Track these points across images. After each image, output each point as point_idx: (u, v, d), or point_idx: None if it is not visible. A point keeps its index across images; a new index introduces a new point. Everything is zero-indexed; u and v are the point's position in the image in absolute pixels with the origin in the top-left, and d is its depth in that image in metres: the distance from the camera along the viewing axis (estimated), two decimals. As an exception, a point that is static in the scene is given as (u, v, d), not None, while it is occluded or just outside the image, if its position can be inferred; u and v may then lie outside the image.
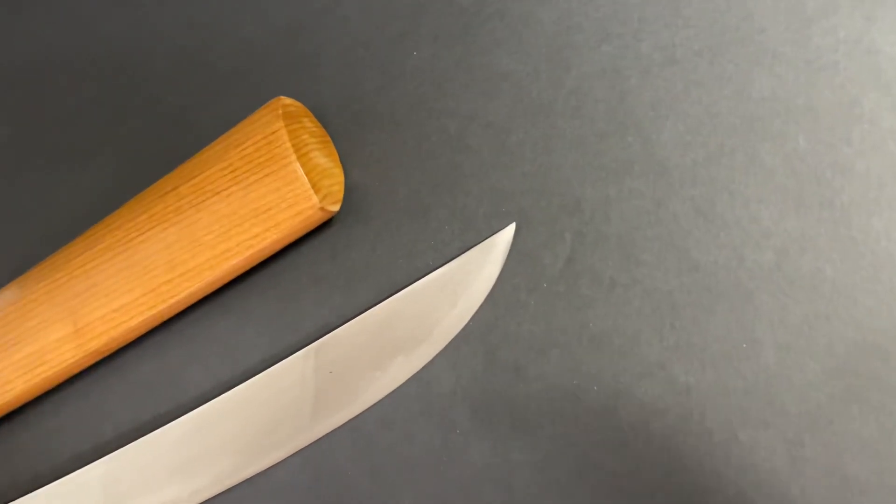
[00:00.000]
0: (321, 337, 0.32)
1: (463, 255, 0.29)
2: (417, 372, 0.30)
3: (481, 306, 0.29)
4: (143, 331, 0.35)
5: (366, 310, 0.31)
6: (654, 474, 0.27)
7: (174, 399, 0.36)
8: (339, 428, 0.32)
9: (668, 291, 0.26)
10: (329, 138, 0.33)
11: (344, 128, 0.32)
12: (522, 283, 0.29)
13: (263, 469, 0.33)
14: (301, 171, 0.30)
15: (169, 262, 0.33)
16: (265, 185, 0.31)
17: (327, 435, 0.32)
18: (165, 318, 0.35)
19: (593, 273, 0.27)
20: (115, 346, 0.35)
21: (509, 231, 0.29)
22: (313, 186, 0.30)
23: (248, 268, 0.33)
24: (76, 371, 0.36)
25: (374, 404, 0.31)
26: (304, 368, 0.32)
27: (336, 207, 0.32)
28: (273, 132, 0.31)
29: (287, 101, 0.32)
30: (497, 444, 0.29)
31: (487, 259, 0.29)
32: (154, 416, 0.36)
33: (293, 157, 0.30)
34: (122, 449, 0.36)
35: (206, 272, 0.33)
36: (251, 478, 0.33)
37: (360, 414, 0.31)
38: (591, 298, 0.27)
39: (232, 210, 0.32)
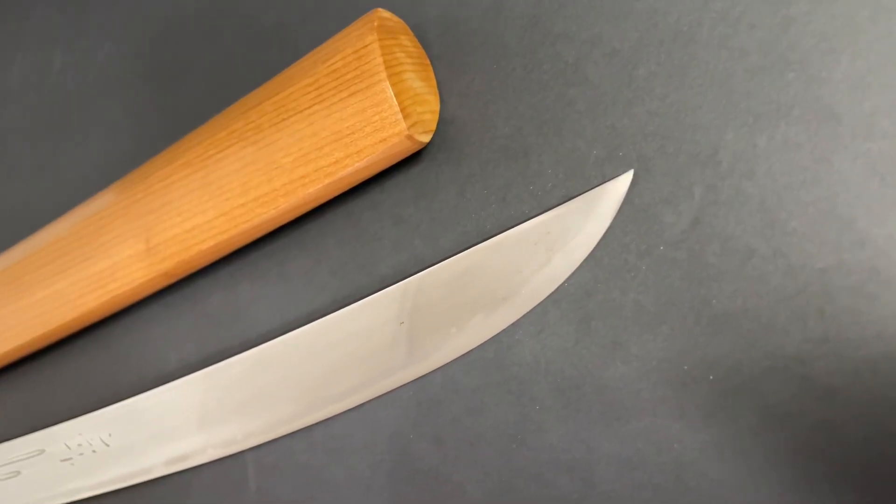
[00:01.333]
0: (397, 283, 0.28)
1: (565, 205, 0.24)
2: (498, 335, 0.26)
3: (580, 267, 0.24)
4: (214, 256, 0.32)
5: (447, 258, 0.26)
6: (772, 492, 0.21)
7: (239, 334, 0.33)
8: (403, 386, 0.28)
9: (821, 270, 0.20)
10: (428, 61, 0.29)
11: (445, 51, 0.28)
12: (634, 243, 0.23)
13: (320, 420, 0.30)
14: (391, 92, 0.26)
15: (244, 184, 0.30)
16: (351, 106, 0.27)
17: (390, 393, 0.28)
18: (237, 245, 0.32)
19: (725, 239, 0.22)
20: (185, 270, 0.33)
21: (625, 180, 0.23)
22: (403, 111, 0.26)
23: (325, 199, 0.29)
24: (146, 292, 0.34)
25: (445, 365, 0.27)
26: (373, 316, 0.28)
27: (426, 138, 0.27)
28: (364, 46, 0.26)
29: (385, 13, 0.28)
30: (581, 429, 0.24)
31: (595, 211, 0.24)
32: (218, 349, 0.33)
33: (384, 75, 0.26)
34: (182, 379, 0.33)
35: (280, 199, 0.29)
36: (307, 428, 0.30)
37: (429, 374, 0.27)
38: (718, 270, 0.22)
39: (313, 132, 0.28)
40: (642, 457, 0.23)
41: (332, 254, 0.30)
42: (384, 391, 0.28)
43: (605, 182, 0.24)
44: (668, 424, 0.22)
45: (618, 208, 0.23)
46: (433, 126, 0.28)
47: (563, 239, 0.24)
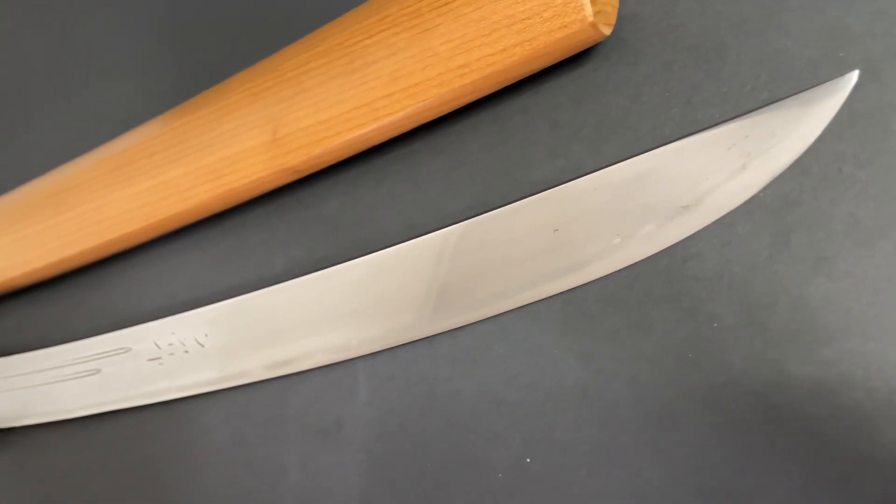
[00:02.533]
0: (551, 188, 0.25)
1: (771, 107, 0.21)
2: (672, 246, 0.23)
3: (781, 175, 0.21)
4: (345, 152, 0.30)
5: (615, 163, 0.24)
6: None
7: (358, 239, 0.30)
8: (549, 299, 0.25)
9: None
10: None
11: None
12: (852, 151, 0.21)
13: (447, 330, 0.27)
14: (580, -28, 0.23)
15: (393, 72, 0.27)
16: (529, -13, 0.24)
17: (532, 305, 0.26)
18: (372, 142, 0.29)
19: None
20: (311, 166, 0.30)
21: (847, 82, 0.21)
22: (586, -2, 0.23)
23: (479, 95, 0.27)
24: (264, 188, 0.32)
25: (604, 277, 0.24)
26: (522, 222, 0.26)
27: (608, 31, 0.25)
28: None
29: None
30: (769, 350, 0.21)
31: (807, 114, 0.21)
32: (332, 254, 0.31)
33: (573, -49, 0.23)
34: (293, 281, 0.31)
35: (432, 90, 0.27)
36: (429, 338, 0.28)
37: (582, 287, 0.25)
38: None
39: (482, 16, 0.25)
40: (847, 381, 0.20)
41: (473, 158, 0.28)
42: (526, 303, 0.25)
43: (820, 84, 0.21)
44: (883, 347, 0.20)
45: (835, 112, 0.21)
46: (613, 19, 0.25)
47: (764, 144, 0.21)
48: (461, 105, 0.27)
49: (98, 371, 0.37)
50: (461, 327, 0.27)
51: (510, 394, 0.25)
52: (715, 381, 0.22)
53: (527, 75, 0.26)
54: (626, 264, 0.24)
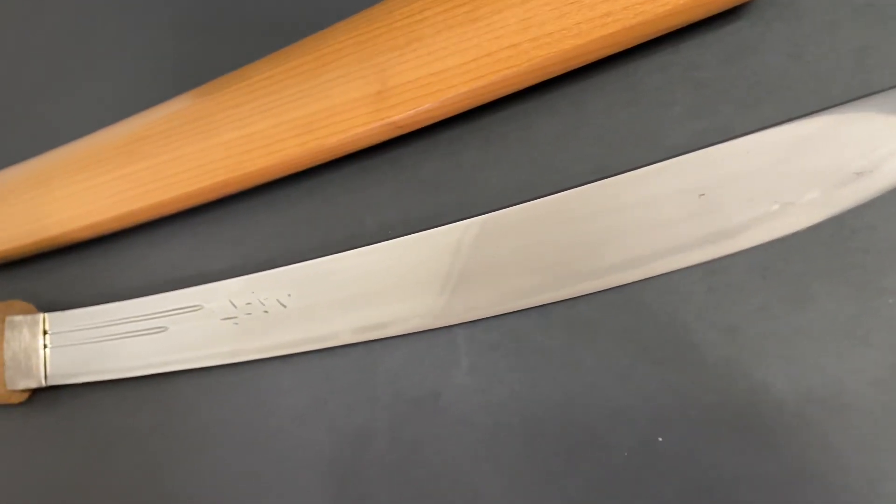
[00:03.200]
0: (695, 151, 0.23)
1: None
2: (839, 216, 0.21)
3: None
4: (456, 108, 0.28)
5: (775, 125, 0.22)
6: None
7: (460, 201, 0.28)
8: (690, 268, 0.23)
9: None
10: None
11: None
12: None
13: (565, 298, 0.25)
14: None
15: (523, 20, 0.25)
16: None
17: (667, 274, 0.24)
18: (489, 97, 0.27)
19: None
20: (416, 122, 0.28)
21: None
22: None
23: (616, 48, 0.25)
24: (361, 144, 0.30)
25: (755, 247, 0.22)
26: (660, 186, 0.24)
27: (771, -17, 0.23)
28: None
29: None
30: None
31: None
32: (428, 216, 0.29)
33: None
34: (389, 241, 0.29)
35: (568, 40, 0.25)
36: (541, 307, 0.26)
37: (729, 256, 0.23)
38: None
39: (631, -39, 0.23)
40: None
41: (599, 119, 0.26)
42: (662, 272, 0.23)
43: None
44: None
45: None
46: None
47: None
48: (595, 59, 0.25)
49: (165, 329, 0.35)
50: (580, 297, 0.25)
51: (638, 367, 0.23)
52: (889, 361, 0.19)
53: (671, 30, 0.24)
54: (784, 233, 0.22)
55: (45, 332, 0.39)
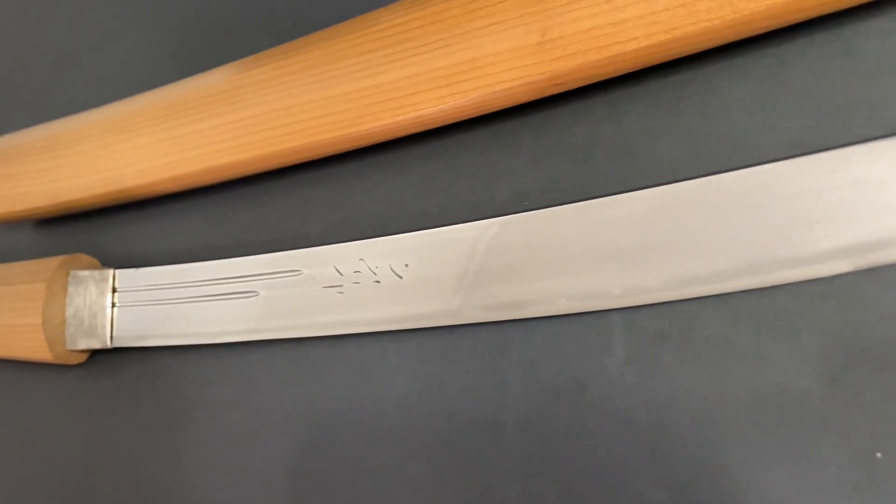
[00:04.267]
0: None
1: None
2: None
3: None
4: (628, 65, 0.24)
5: None
6: None
7: (615, 173, 0.25)
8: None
9: None
10: None
11: None
12: None
13: (753, 287, 0.21)
14: None
15: (732, -34, 0.22)
16: None
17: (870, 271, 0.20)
18: (669, 54, 0.24)
19: None
20: (580, 79, 0.25)
21: None
22: None
23: (829, 7, 0.21)
24: (508, 101, 0.26)
25: None
26: (873, 165, 0.20)
27: None
28: None
29: None
30: None
31: None
32: (576, 186, 0.25)
33: None
34: (534, 212, 0.25)
35: None
36: (724, 296, 0.22)
37: None
38: None
39: None
40: None
41: (803, 87, 0.22)
42: (858, 267, 0.20)
43: None
44: None
45: None
46: None
47: None
48: (808, 18, 0.21)
49: (256, 294, 0.31)
50: (774, 287, 0.21)
51: (850, 370, 0.19)
52: None
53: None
54: None
55: (114, 290, 0.35)
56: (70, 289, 0.36)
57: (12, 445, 0.38)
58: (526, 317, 0.25)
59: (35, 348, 0.36)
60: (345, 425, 0.28)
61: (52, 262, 0.36)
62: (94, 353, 0.37)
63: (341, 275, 0.29)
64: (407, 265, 0.28)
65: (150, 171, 0.35)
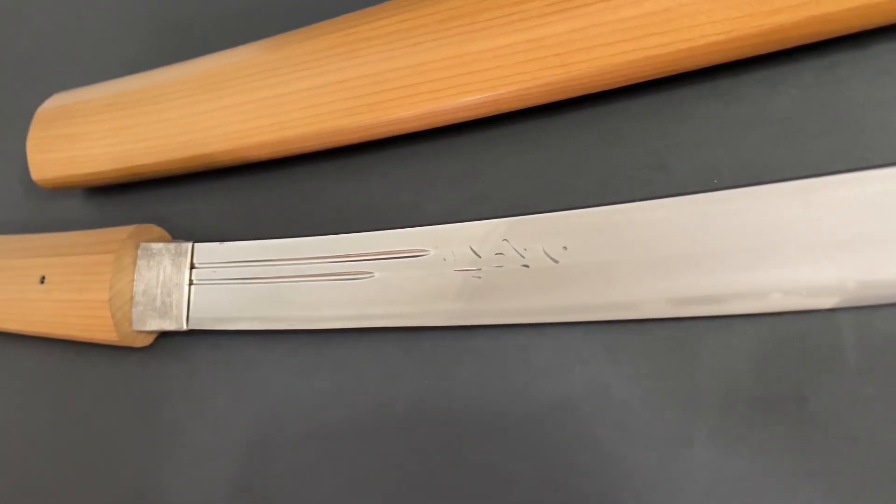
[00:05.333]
0: None
1: None
2: None
3: None
4: (863, 21, 0.20)
5: None
6: None
7: (831, 149, 0.20)
8: None
9: None
10: None
11: None
12: None
13: None
14: None
15: None
16: None
17: None
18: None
19: None
20: (799, 36, 0.20)
21: None
22: None
23: None
24: (713, 57, 0.22)
25: None
26: None
27: None
28: None
29: None
30: None
31: None
32: (777, 164, 0.21)
33: None
34: (734, 190, 0.21)
35: None
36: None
37: None
38: None
39: None
40: None
41: None
42: None
43: None
44: None
45: None
46: None
47: None
48: None
49: (369, 275, 0.27)
50: None
51: None
52: None
53: None
54: None
55: (192, 266, 0.31)
56: (140, 263, 0.31)
57: (64, 436, 0.33)
58: (725, 314, 0.20)
59: (99, 327, 0.31)
60: (475, 430, 0.24)
61: (121, 232, 0.31)
62: (161, 336, 0.32)
63: (479, 257, 0.25)
64: (566, 248, 0.23)
65: (240, 134, 0.30)
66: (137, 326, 0.31)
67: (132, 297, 0.31)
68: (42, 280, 0.32)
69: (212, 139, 0.31)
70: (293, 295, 0.28)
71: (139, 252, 0.32)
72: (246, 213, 0.33)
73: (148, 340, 0.33)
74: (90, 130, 0.35)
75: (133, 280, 0.31)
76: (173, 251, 0.31)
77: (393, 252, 0.26)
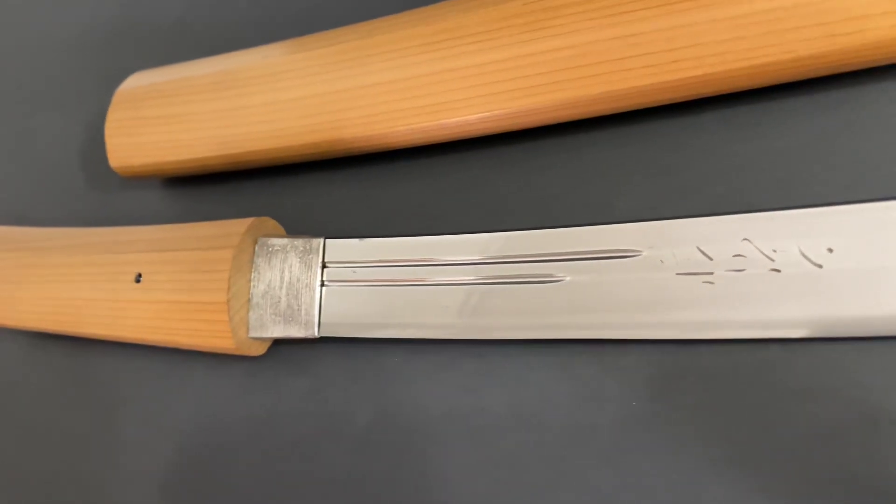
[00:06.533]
0: None
1: None
2: None
3: None
4: None
5: None
6: None
7: None
8: None
9: None
10: None
11: None
12: None
13: None
14: None
15: None
16: None
17: None
18: None
19: None
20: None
21: None
22: None
23: None
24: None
25: None
26: None
27: None
28: None
29: None
30: None
31: None
32: None
33: None
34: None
35: None
36: None
37: None
38: None
39: None
40: None
41: None
42: None
43: None
44: None
45: None
46: None
47: None
48: None
49: (558, 279, 0.22)
50: None
51: None
52: None
53: None
54: None
55: (323, 265, 0.26)
56: (258, 261, 0.27)
57: (158, 457, 0.28)
58: None
59: (212, 332, 0.26)
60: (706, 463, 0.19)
61: (238, 225, 0.27)
62: (278, 344, 0.27)
63: (710, 259, 0.20)
64: (831, 250, 0.19)
65: (387, 117, 0.26)
66: (255, 333, 0.26)
67: (249, 300, 0.26)
68: (138, 278, 0.27)
69: (348, 122, 0.26)
70: (451, 300, 0.24)
71: (257, 249, 0.27)
72: (368, 208, 0.28)
73: (262, 349, 0.28)
74: (189, 112, 0.30)
75: (250, 280, 0.26)
76: (301, 248, 0.26)
77: (592, 252, 0.22)
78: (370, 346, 0.25)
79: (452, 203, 0.26)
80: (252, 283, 0.26)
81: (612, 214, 0.23)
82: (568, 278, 0.22)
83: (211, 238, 0.27)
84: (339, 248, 0.26)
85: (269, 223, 0.28)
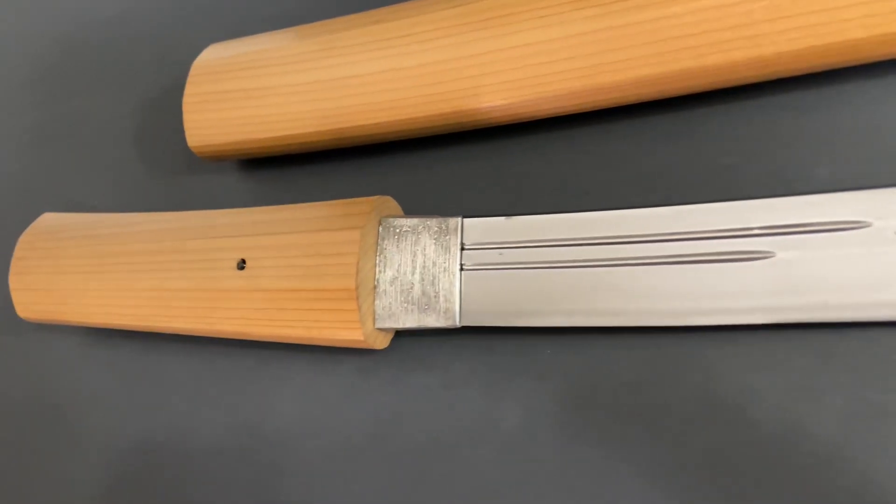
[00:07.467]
0: None
1: None
2: None
3: None
4: None
5: None
6: None
7: None
8: None
9: None
10: None
11: None
12: None
13: None
14: None
15: None
16: None
17: None
18: None
19: None
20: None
21: None
22: None
23: None
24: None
25: None
26: None
27: None
28: None
29: None
30: None
31: None
32: None
33: None
34: None
35: None
36: None
37: None
38: None
39: None
40: None
41: None
42: None
43: None
44: None
45: None
46: None
47: None
48: None
49: (768, 255, 0.19)
50: None
51: None
52: None
53: None
54: None
55: (461, 247, 0.22)
56: (384, 244, 0.23)
57: (264, 471, 0.24)
58: None
59: (338, 324, 0.23)
60: None
61: (362, 205, 0.23)
62: (400, 335, 0.24)
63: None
64: None
65: (519, 84, 0.22)
66: (384, 323, 0.22)
67: (375, 287, 0.23)
68: (241, 265, 0.24)
69: (483, 90, 0.23)
70: (627, 282, 0.20)
71: (381, 230, 0.23)
72: (488, 185, 0.25)
73: (386, 342, 0.24)
74: (283, 83, 0.26)
75: (375, 265, 0.23)
76: (436, 228, 0.23)
77: (808, 225, 0.19)
78: (512, 337, 0.22)
79: (608, 176, 0.22)
80: (378, 269, 0.23)
81: (810, 185, 0.19)
82: (780, 254, 0.19)
83: (331, 218, 0.23)
84: (482, 227, 0.22)
85: (391, 203, 0.25)
